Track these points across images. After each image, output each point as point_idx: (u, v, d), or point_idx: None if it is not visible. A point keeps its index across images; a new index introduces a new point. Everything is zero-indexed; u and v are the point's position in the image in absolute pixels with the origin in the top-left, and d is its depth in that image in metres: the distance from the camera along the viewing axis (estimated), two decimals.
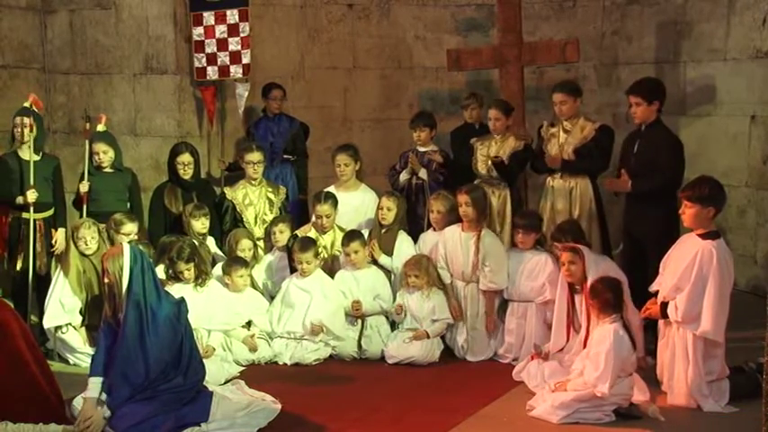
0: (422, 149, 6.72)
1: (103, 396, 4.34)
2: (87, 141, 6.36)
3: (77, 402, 4.43)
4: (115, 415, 4.28)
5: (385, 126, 8.46)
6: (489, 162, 6.31)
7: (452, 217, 6.02)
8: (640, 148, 5.65)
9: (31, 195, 5.95)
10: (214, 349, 5.47)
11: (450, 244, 5.85)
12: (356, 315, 5.85)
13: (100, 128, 6.43)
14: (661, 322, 4.92)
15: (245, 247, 6.12)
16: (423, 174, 6.61)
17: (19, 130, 6.00)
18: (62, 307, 5.71)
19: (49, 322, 5.71)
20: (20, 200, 5.98)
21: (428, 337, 5.67)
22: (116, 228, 5.91)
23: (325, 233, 6.25)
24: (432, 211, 6.09)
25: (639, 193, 5.59)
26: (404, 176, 6.67)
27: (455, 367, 5.59)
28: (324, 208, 6.19)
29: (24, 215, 6.03)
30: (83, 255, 5.79)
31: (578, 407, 4.50)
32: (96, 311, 5.62)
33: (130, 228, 5.92)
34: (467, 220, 5.80)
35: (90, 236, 5.77)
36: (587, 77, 8.17)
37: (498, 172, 6.28)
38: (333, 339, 5.76)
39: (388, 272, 6.10)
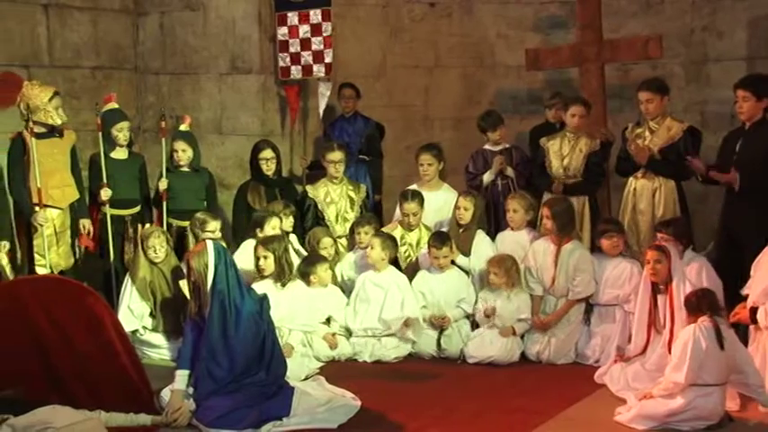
0: (494, 149, 6.66)
1: (190, 389, 4.47)
2: (165, 140, 6.51)
3: (165, 394, 4.55)
4: (200, 407, 4.40)
5: (466, 125, 8.37)
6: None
7: (530, 216, 5.96)
8: (743, 146, 5.47)
9: (104, 194, 6.16)
10: (293, 348, 5.48)
11: (540, 257, 5.78)
12: (441, 325, 5.81)
13: (182, 128, 6.59)
14: (751, 327, 4.76)
15: (326, 245, 6.18)
16: (510, 172, 6.54)
17: (122, 134, 6.27)
18: (131, 312, 5.80)
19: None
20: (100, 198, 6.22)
21: (514, 333, 5.62)
22: (201, 226, 6.00)
23: (411, 231, 6.28)
24: (508, 210, 6.04)
25: (746, 190, 5.39)
26: (488, 177, 6.60)
27: (535, 369, 5.53)
28: (411, 206, 6.22)
29: (104, 210, 6.26)
30: (151, 263, 5.86)
31: (668, 420, 4.36)
32: (166, 317, 5.79)
33: (214, 225, 6.01)
34: (547, 233, 5.74)
35: (159, 244, 5.82)
36: (675, 75, 7.94)
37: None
38: (412, 335, 5.75)
39: (465, 272, 6.07)
